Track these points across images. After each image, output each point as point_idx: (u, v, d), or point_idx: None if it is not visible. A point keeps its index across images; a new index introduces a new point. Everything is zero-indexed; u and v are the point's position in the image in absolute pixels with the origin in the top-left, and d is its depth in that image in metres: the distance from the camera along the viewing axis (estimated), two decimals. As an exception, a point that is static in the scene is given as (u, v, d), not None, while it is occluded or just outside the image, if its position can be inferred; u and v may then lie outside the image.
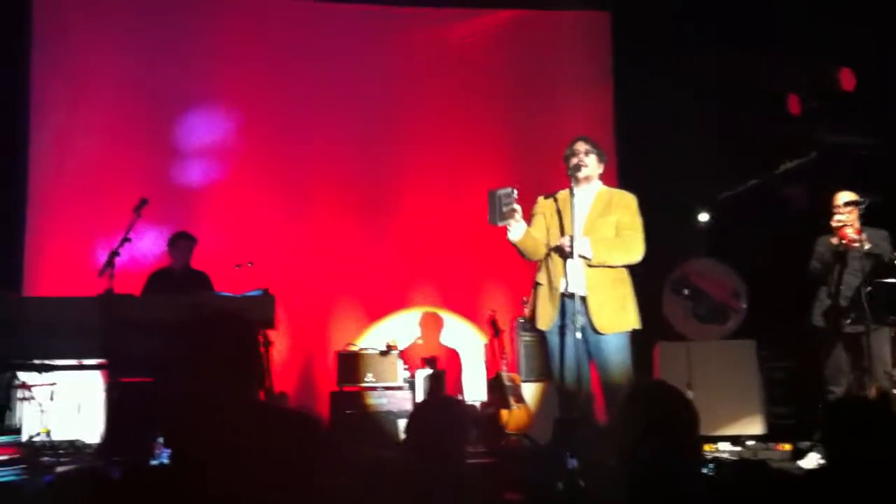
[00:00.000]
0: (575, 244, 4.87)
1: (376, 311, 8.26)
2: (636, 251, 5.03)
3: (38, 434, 6.68)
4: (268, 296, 6.32)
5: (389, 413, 7.12)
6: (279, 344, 7.25)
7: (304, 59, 8.46)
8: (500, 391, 7.40)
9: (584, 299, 4.88)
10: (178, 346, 4.97)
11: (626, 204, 5.12)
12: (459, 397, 7.58)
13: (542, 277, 5.10)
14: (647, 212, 5.18)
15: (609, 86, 8.79)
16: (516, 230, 4.91)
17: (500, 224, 4.79)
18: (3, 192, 7.80)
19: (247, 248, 7.73)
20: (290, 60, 8.45)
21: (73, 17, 8.24)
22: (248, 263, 7.22)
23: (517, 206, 4.82)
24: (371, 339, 7.96)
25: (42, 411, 6.72)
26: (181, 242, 7.23)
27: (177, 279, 7.09)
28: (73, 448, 6.59)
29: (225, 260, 7.45)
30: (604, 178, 5.27)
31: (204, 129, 8.28)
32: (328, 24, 8.58)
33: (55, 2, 8.25)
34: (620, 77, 8.73)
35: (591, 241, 4.93)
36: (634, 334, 5.01)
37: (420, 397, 7.28)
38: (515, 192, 4.80)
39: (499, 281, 8.07)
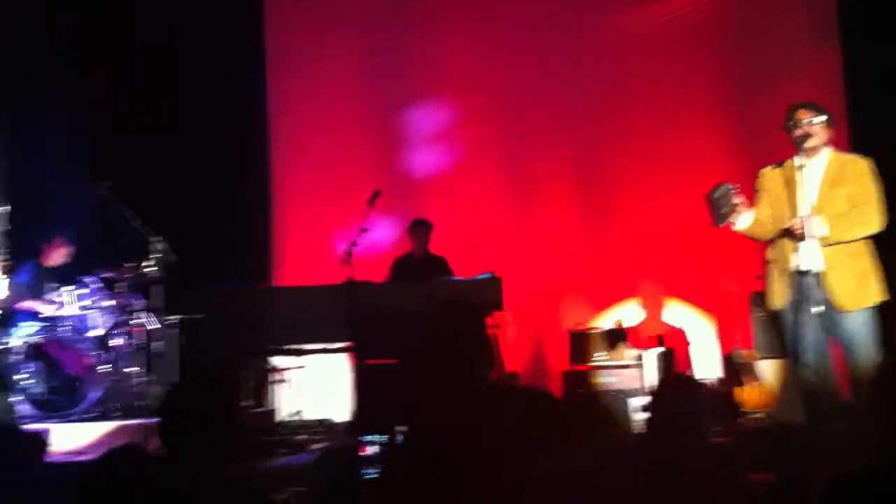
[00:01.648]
0: (807, 225, 4.71)
1: (604, 290, 8.27)
2: (874, 222, 4.81)
3: (291, 414, 7.19)
4: (495, 279, 6.50)
5: (619, 392, 7.14)
6: (509, 325, 7.42)
7: (525, 47, 8.55)
8: (734, 369, 7.26)
9: (820, 276, 4.74)
10: (418, 332, 5.24)
11: (860, 172, 4.87)
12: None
13: (772, 254, 4.98)
14: (889, 175, 4.94)
15: (836, 45, 8.33)
16: (742, 222, 4.86)
17: (723, 225, 4.81)
18: (250, 191, 8.43)
19: (474, 232, 7.96)
20: (512, 48, 8.57)
21: (302, 21, 8.75)
22: (474, 248, 7.44)
23: (737, 199, 4.78)
24: (600, 319, 8.01)
25: (294, 393, 7.22)
26: (420, 229, 7.56)
27: (418, 264, 7.42)
28: (324, 427, 7.04)
29: (454, 245, 7.71)
30: (835, 143, 5.06)
31: (431, 120, 8.57)
32: (547, 10, 8.64)
33: (286, 8, 8.78)
34: (848, 34, 8.26)
35: (826, 220, 4.76)
36: (880, 308, 4.81)
37: (649, 376, 7.25)
38: (732, 186, 4.77)
39: (729, 256, 7.88)
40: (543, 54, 8.54)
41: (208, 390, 2.84)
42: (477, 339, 2.87)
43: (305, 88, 8.67)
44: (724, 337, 7.73)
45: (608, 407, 7.08)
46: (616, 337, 7.46)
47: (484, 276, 6.64)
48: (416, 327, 5.97)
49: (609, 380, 7.24)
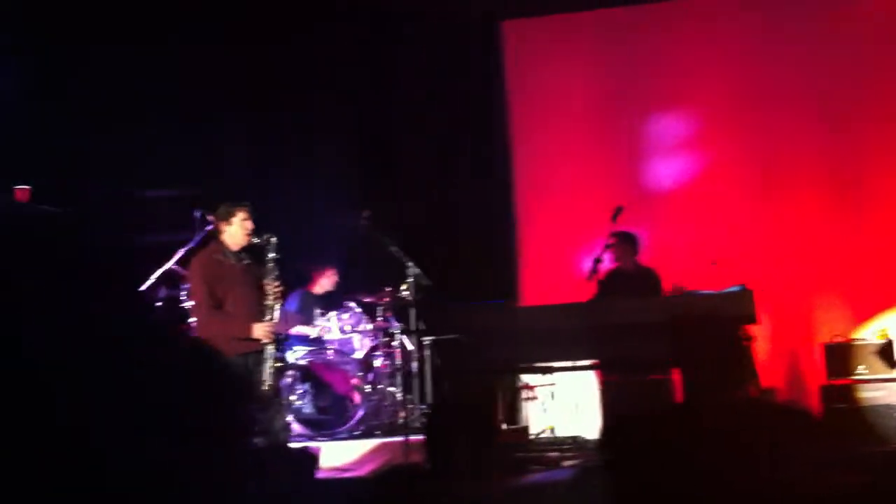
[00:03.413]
0: None
1: (864, 298, 7.84)
2: None
3: (543, 431, 7.32)
4: (746, 291, 6.34)
5: (888, 406, 6.76)
6: (762, 338, 7.21)
7: (768, 49, 8.31)
8: None
9: None
10: (668, 347, 5.20)
11: None
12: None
13: None
14: None
15: None
16: None
17: None
18: (498, 210, 8.70)
19: (721, 244, 7.80)
20: (755, 51, 8.35)
21: (540, 40, 8.95)
22: (713, 263, 7.25)
23: None
24: (861, 329, 7.60)
25: (545, 410, 7.35)
26: (618, 242, 7.36)
27: (627, 276, 7.29)
28: (576, 444, 7.12)
29: (701, 258, 7.57)
30: None
31: (670, 131, 8.49)
32: (789, 9, 8.36)
33: (523, 29, 9.02)
34: None
35: None
36: None
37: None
38: None
39: None
40: (787, 54, 8.26)
41: (469, 408, 2.97)
42: (736, 352, 2.85)
43: (545, 106, 8.83)
44: None
45: (875, 423, 6.73)
46: (881, 348, 7.06)
47: (734, 288, 6.49)
48: (667, 342, 5.94)
49: (875, 394, 6.88)
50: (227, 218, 5.79)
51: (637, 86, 8.58)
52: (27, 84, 7.16)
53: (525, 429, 7.33)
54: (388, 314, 7.58)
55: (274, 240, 5.77)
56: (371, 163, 8.59)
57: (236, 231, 5.77)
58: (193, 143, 7.96)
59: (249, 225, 5.78)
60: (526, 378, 7.33)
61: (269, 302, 5.69)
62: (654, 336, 6.00)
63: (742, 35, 8.42)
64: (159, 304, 6.92)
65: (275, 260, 5.75)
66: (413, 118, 8.71)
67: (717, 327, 2.91)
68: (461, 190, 8.68)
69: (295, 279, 7.44)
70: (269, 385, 5.57)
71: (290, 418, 6.68)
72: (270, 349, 5.61)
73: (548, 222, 8.68)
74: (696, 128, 8.46)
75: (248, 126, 8.37)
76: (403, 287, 7.20)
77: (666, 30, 8.61)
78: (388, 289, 7.43)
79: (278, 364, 5.63)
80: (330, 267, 7.86)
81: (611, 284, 7.31)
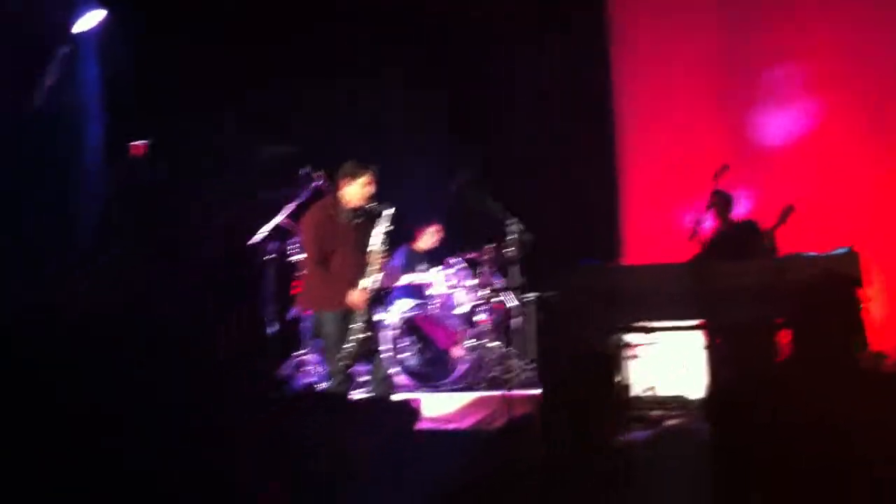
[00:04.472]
0: None
1: None
2: None
3: (645, 390, 7.30)
4: (852, 253, 6.19)
5: None
6: (875, 302, 7.04)
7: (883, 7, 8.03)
8: None
9: None
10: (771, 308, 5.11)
11: None
12: None
13: None
14: None
15: None
16: None
17: None
18: (602, 172, 8.66)
19: (831, 202, 7.62)
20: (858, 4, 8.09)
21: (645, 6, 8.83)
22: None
23: None
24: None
25: (647, 370, 7.32)
26: (713, 202, 7.01)
27: (727, 236, 7.12)
28: (679, 403, 7.09)
29: (810, 219, 7.40)
30: None
31: (781, 88, 8.27)
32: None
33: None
34: None
35: None
36: None
37: None
38: None
39: None
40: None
41: (598, 363, 3.00)
42: (849, 316, 2.77)
43: (649, 63, 8.71)
44: None
45: None
46: None
47: (841, 250, 6.35)
48: (773, 303, 5.86)
49: None
50: (352, 176, 5.89)
51: (744, 42, 8.38)
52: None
53: (626, 387, 7.32)
54: (492, 270, 7.64)
55: (390, 211, 5.85)
56: (472, 122, 8.61)
57: (356, 191, 5.88)
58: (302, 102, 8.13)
59: (371, 189, 5.87)
60: (629, 337, 7.31)
61: (371, 269, 5.81)
62: (760, 297, 5.94)
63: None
64: (269, 257, 7.13)
65: (386, 231, 5.85)
66: (513, 76, 8.69)
67: (831, 289, 2.84)
68: (563, 147, 8.65)
69: (399, 236, 7.55)
70: (350, 350, 5.73)
71: (394, 370, 6.84)
72: (360, 318, 5.76)
73: (651, 180, 8.61)
74: (805, 84, 8.22)
75: (356, 88, 8.50)
76: (506, 244, 7.24)
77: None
78: (491, 245, 7.49)
79: (362, 336, 5.77)
80: (433, 223, 7.93)
81: (713, 244, 7.21)
